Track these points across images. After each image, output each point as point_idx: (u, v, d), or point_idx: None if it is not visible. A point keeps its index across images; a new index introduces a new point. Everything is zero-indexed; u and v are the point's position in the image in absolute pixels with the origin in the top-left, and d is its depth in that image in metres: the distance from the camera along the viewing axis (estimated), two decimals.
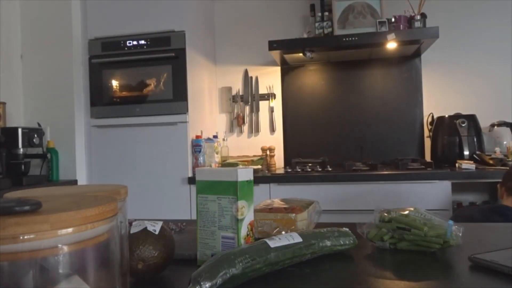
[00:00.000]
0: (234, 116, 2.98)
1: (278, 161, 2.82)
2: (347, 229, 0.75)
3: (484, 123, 2.54)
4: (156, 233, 0.62)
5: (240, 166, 2.47)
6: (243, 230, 0.67)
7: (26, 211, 0.36)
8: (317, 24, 2.62)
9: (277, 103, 2.94)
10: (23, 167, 2.24)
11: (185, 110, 2.39)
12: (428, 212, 0.77)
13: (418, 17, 2.41)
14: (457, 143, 2.43)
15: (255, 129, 2.95)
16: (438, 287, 0.56)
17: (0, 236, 0.32)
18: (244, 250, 0.59)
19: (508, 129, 2.50)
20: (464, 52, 2.73)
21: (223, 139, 2.82)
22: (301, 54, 2.55)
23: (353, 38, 2.39)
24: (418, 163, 2.36)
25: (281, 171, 2.55)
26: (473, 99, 2.72)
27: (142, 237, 0.61)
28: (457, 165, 2.27)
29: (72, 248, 0.36)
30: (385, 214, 0.77)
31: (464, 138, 2.41)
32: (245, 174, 0.68)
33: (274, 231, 0.83)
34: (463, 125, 2.42)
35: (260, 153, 2.70)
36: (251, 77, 2.98)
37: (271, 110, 2.94)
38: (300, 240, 0.66)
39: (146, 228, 0.62)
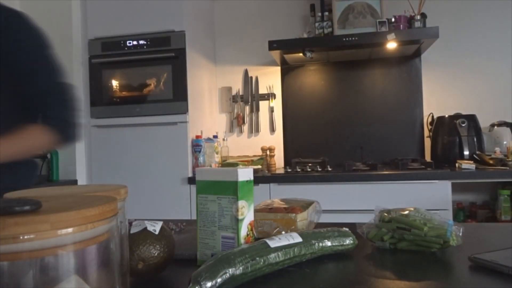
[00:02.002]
0: (234, 116, 2.98)
1: (278, 161, 2.82)
2: (347, 229, 0.75)
3: (484, 123, 2.54)
4: (156, 233, 0.62)
5: (240, 166, 2.47)
6: (243, 230, 0.67)
7: (26, 211, 0.36)
8: (317, 24, 2.62)
9: (277, 103, 2.94)
10: None
11: (185, 110, 2.39)
12: (428, 212, 0.77)
13: (418, 17, 2.41)
14: (457, 143, 2.43)
15: (255, 129, 2.95)
16: (438, 287, 0.56)
17: (0, 236, 0.32)
18: (244, 250, 0.59)
19: (508, 129, 2.50)
20: (464, 52, 2.73)
21: (223, 139, 2.82)
22: (301, 54, 2.55)
23: (353, 38, 2.39)
24: (418, 163, 2.36)
25: (281, 171, 2.55)
26: (473, 99, 2.72)
27: (142, 237, 0.61)
28: (457, 165, 2.27)
29: (72, 248, 0.36)
30: (385, 214, 0.77)
31: (464, 138, 2.41)
32: (245, 174, 0.68)
33: (274, 231, 0.83)
34: (463, 125, 2.42)
35: (260, 153, 2.70)
36: (251, 77, 2.98)
37: (271, 110, 2.94)
38: (300, 240, 0.66)
39: (146, 228, 0.62)
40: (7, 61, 1.19)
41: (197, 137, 2.46)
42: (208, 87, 2.82)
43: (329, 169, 2.42)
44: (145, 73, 2.43)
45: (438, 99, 2.75)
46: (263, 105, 2.96)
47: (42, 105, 1.23)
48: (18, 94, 1.24)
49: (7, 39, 1.19)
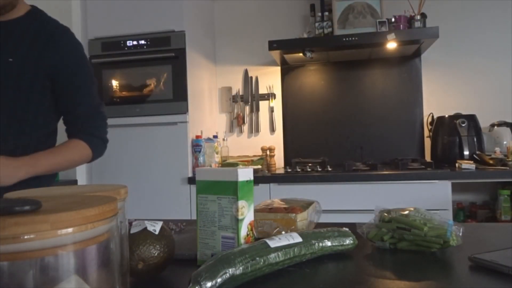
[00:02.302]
0: (234, 116, 2.98)
1: (278, 161, 2.82)
2: (347, 229, 0.75)
3: (484, 123, 2.54)
4: (156, 233, 0.62)
5: (240, 166, 2.47)
6: (243, 230, 0.67)
7: (26, 211, 0.36)
8: (317, 24, 2.62)
9: (277, 103, 2.94)
10: None
11: (185, 110, 2.39)
12: (428, 212, 0.77)
13: (418, 17, 2.41)
14: (457, 143, 2.43)
15: (255, 129, 2.95)
16: (438, 287, 0.56)
17: (0, 236, 0.32)
18: (244, 250, 0.59)
19: (508, 129, 2.50)
20: (464, 52, 2.73)
21: (223, 139, 2.82)
22: (301, 54, 2.55)
23: (353, 38, 2.39)
24: (418, 163, 2.36)
25: (281, 171, 2.55)
26: (473, 99, 2.72)
27: (142, 237, 0.61)
28: (457, 165, 2.27)
29: (72, 248, 0.36)
30: (385, 214, 0.77)
31: (464, 138, 2.41)
32: (245, 174, 0.68)
33: (274, 231, 0.83)
34: (463, 125, 2.42)
35: (260, 153, 2.70)
36: (251, 77, 2.98)
37: (271, 110, 2.94)
38: (300, 240, 0.66)
39: (146, 228, 0.62)
40: (54, 74, 1.17)
41: (197, 137, 2.46)
42: (208, 87, 2.82)
43: (329, 169, 2.42)
44: (145, 73, 2.43)
45: (438, 99, 2.75)
46: (263, 105, 2.96)
47: (89, 123, 1.23)
48: (64, 109, 1.24)
49: (56, 53, 1.17)
